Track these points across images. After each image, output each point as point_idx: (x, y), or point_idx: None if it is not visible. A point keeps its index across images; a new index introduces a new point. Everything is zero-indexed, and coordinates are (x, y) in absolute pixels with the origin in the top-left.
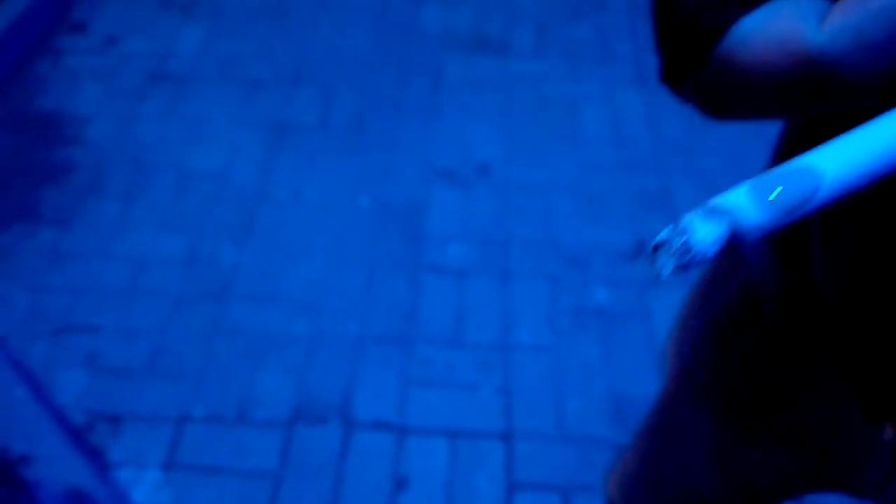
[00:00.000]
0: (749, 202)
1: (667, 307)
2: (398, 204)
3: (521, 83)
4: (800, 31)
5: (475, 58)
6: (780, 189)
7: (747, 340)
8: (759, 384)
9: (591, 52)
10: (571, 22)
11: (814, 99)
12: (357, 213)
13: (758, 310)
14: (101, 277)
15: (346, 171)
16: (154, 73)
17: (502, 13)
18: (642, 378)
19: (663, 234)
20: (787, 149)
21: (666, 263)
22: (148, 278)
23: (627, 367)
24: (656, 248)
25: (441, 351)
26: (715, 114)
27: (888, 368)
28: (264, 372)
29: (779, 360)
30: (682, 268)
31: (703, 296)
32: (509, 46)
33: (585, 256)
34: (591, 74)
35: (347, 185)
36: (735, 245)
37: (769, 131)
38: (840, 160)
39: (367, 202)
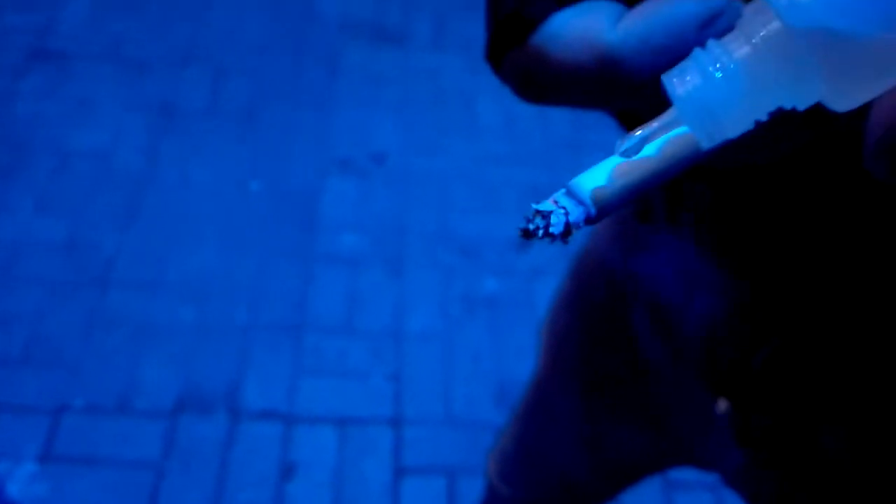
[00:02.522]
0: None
1: (551, 296)
2: (291, 191)
3: (419, 75)
4: (599, 29)
5: (373, 48)
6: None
7: (608, 320)
8: (617, 364)
9: None
10: (470, 16)
11: (607, 93)
12: (248, 199)
13: (620, 299)
14: None
15: (237, 156)
16: (35, 49)
17: (401, 3)
18: (527, 363)
19: (543, 206)
20: None
21: (541, 229)
22: (24, 264)
23: (513, 352)
24: (534, 216)
25: (332, 339)
26: (528, 96)
27: (722, 346)
28: (147, 361)
29: (633, 340)
30: (551, 237)
31: (575, 282)
32: (408, 38)
33: (477, 246)
34: (487, 70)
35: (238, 171)
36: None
37: None
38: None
39: (259, 188)
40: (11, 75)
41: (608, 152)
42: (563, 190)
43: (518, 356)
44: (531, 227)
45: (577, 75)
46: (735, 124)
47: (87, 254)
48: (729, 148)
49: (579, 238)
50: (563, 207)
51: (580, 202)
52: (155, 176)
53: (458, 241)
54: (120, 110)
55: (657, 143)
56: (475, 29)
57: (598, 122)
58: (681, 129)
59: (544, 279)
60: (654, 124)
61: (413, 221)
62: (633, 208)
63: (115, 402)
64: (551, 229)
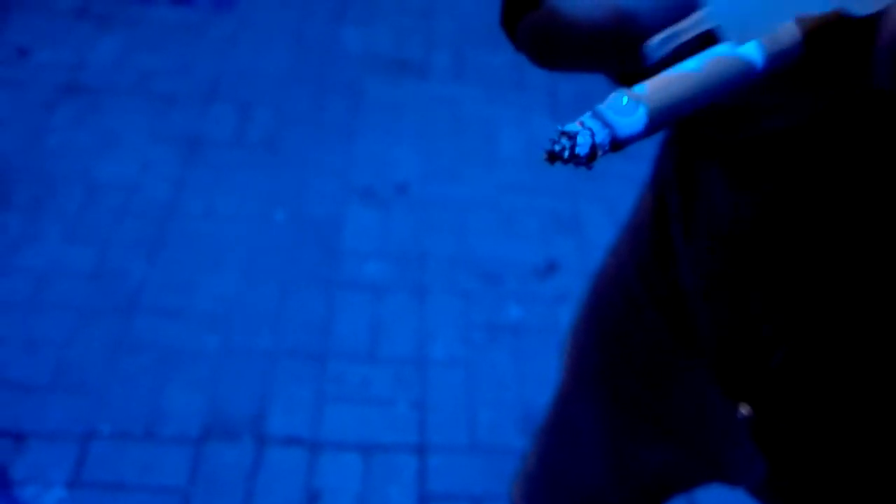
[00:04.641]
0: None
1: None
2: (315, 220)
3: (439, 106)
4: None
5: (394, 79)
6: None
7: (627, 335)
8: (637, 377)
9: (506, 79)
10: (488, 49)
11: (622, 51)
12: (272, 227)
13: (636, 309)
14: (4, 290)
15: (261, 186)
16: (66, 84)
17: (421, 37)
18: (551, 389)
19: (569, 127)
20: (669, 155)
21: (567, 148)
22: (53, 291)
23: (537, 379)
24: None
25: (356, 366)
26: (544, 61)
27: (738, 349)
28: (173, 387)
29: (653, 353)
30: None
31: (594, 298)
32: (428, 70)
33: (499, 273)
34: (507, 100)
35: (262, 200)
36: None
37: None
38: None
39: (283, 217)
40: (43, 109)
41: (625, 182)
42: (589, 112)
43: (542, 383)
44: (556, 147)
45: (593, 34)
46: (765, 20)
47: (114, 281)
48: (746, 110)
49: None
50: (590, 129)
51: (606, 124)
52: (181, 206)
53: (481, 268)
54: (147, 142)
55: (699, 58)
56: (494, 60)
57: (620, 152)
58: (723, 48)
59: (568, 306)
60: (682, 25)
61: (435, 249)
62: (649, 218)
63: (141, 429)
64: (577, 149)
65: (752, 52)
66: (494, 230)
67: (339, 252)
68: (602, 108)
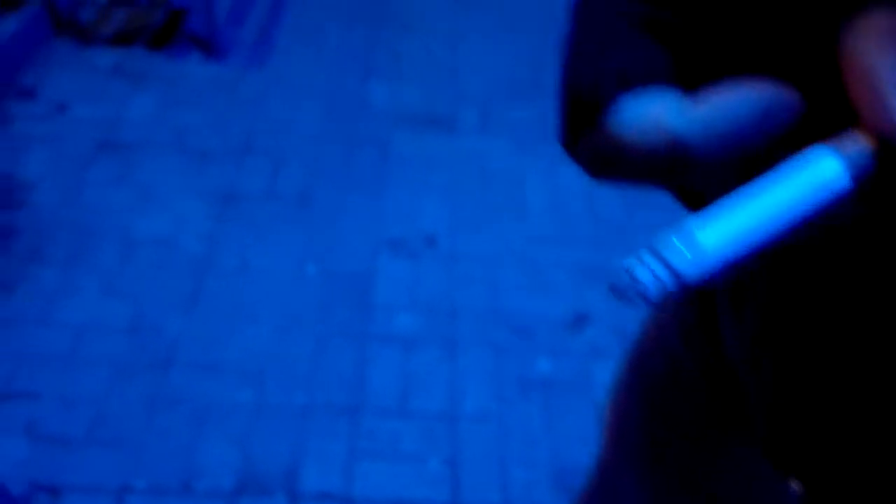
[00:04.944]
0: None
1: (608, 377)
2: (346, 273)
3: (466, 159)
4: (667, 116)
5: (422, 134)
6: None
7: (671, 402)
8: (683, 448)
9: (532, 132)
10: (514, 103)
11: (674, 173)
12: (304, 281)
13: (681, 375)
14: (42, 344)
15: (293, 240)
16: (103, 140)
17: (449, 93)
18: (584, 447)
19: (635, 269)
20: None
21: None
22: (90, 345)
23: (570, 436)
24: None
25: (387, 421)
26: (599, 174)
27: (791, 424)
28: (208, 442)
29: (698, 422)
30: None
31: (636, 363)
32: (455, 124)
33: (529, 326)
34: (534, 152)
35: (295, 254)
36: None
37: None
38: (718, 231)
39: (315, 271)
40: (81, 164)
41: (652, 233)
42: (648, 252)
43: (575, 439)
44: (625, 288)
45: (647, 157)
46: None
47: (150, 336)
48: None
49: (638, 319)
50: (655, 274)
51: (670, 269)
52: (215, 260)
53: (511, 321)
54: (182, 197)
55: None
56: (520, 114)
57: (646, 202)
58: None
59: (600, 360)
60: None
61: (465, 301)
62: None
63: (176, 484)
64: (647, 295)
65: (831, 164)
66: (524, 282)
67: (370, 305)
68: (665, 252)
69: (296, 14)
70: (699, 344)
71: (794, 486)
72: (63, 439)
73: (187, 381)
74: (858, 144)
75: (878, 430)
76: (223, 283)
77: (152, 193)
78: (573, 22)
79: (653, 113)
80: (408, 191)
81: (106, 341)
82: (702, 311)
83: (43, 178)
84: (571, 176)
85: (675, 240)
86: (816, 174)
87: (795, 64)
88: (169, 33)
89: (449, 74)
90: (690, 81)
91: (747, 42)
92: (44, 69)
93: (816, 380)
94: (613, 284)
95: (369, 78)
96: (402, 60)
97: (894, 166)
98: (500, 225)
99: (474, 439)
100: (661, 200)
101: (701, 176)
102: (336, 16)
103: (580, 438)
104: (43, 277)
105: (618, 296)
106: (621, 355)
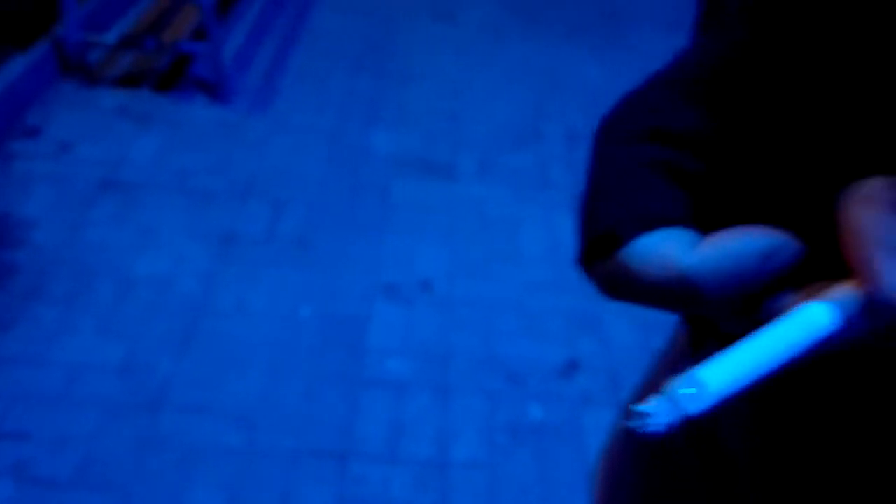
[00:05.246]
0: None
1: (598, 425)
2: (340, 317)
3: (464, 205)
4: (677, 255)
5: (422, 181)
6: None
7: (662, 472)
8: None
9: (530, 179)
10: (512, 150)
11: (681, 305)
12: (298, 325)
13: (674, 449)
14: (35, 383)
15: (290, 283)
16: (106, 180)
17: (448, 141)
18: (575, 495)
19: (646, 408)
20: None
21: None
22: (82, 385)
23: (561, 483)
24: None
25: (377, 467)
26: (610, 296)
27: (776, 492)
28: (196, 486)
29: (690, 497)
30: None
31: (628, 429)
32: (454, 171)
33: (522, 373)
34: (531, 199)
35: (290, 297)
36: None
37: None
38: (723, 373)
39: (309, 314)
40: (83, 204)
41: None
42: (664, 396)
43: (566, 487)
44: (637, 426)
45: (656, 290)
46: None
47: (142, 377)
48: None
49: (631, 377)
50: (663, 409)
51: (678, 407)
52: (212, 302)
53: (504, 368)
54: (182, 239)
55: (772, 332)
56: (517, 161)
57: None
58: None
59: (592, 408)
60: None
61: (458, 347)
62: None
63: None
64: (653, 428)
65: (822, 316)
66: (517, 328)
67: (363, 349)
68: (673, 392)
69: (301, 61)
70: (693, 425)
71: None
72: (51, 481)
73: (178, 423)
74: (850, 294)
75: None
76: (218, 324)
77: (153, 234)
78: (595, 157)
79: (664, 250)
80: (406, 236)
81: (98, 382)
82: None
83: (45, 216)
84: (567, 223)
85: (684, 384)
86: (810, 324)
87: (800, 217)
88: (175, 76)
89: (449, 122)
90: (705, 225)
91: (758, 192)
92: (49, 109)
93: (810, 470)
94: (629, 424)
95: (371, 125)
96: (404, 108)
97: (880, 315)
98: (496, 271)
99: (465, 486)
100: None
101: (708, 308)
102: (340, 64)
103: (570, 486)
104: (41, 316)
105: (633, 431)
106: (612, 402)
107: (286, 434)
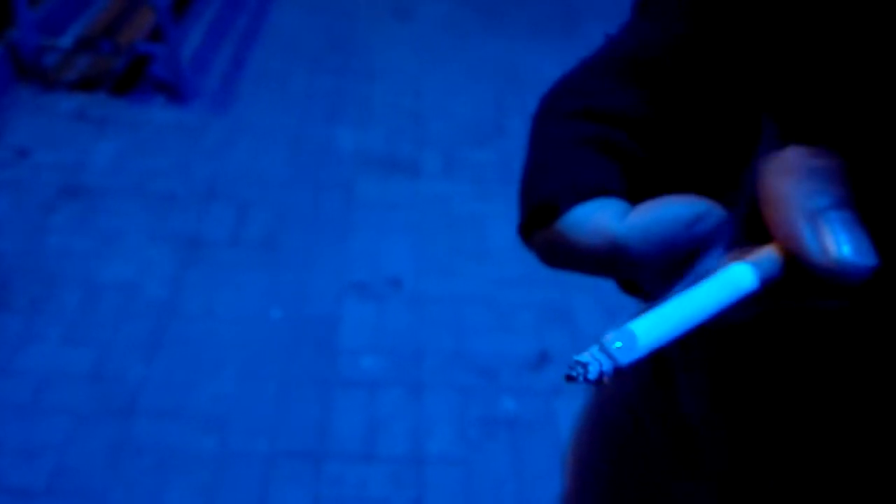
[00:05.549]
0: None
1: (571, 415)
2: (311, 317)
3: (430, 202)
4: (609, 222)
5: (386, 178)
6: (619, 344)
7: (631, 454)
8: (642, 493)
9: (494, 175)
10: (476, 146)
11: (613, 269)
12: (269, 326)
13: (639, 425)
14: (2, 393)
15: (258, 285)
16: (65, 185)
17: (411, 138)
18: (549, 485)
19: (582, 357)
20: None
21: (580, 376)
22: (52, 394)
23: (535, 474)
24: (573, 367)
25: (353, 466)
26: (549, 264)
27: (746, 477)
28: (172, 490)
29: (657, 474)
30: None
31: (596, 410)
32: (418, 168)
33: (494, 367)
34: (496, 194)
35: (259, 299)
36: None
37: None
38: (652, 326)
39: (280, 315)
40: (42, 211)
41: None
42: (597, 346)
43: (540, 478)
44: (573, 373)
45: (591, 256)
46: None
47: (113, 384)
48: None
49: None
50: (598, 360)
51: (610, 356)
52: (179, 306)
53: (476, 363)
54: (146, 243)
55: (697, 288)
56: (481, 157)
57: None
58: (717, 277)
59: (563, 399)
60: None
61: (430, 343)
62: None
63: None
64: (589, 376)
65: (745, 275)
66: (487, 323)
67: (335, 349)
68: (606, 343)
69: (260, 60)
70: (656, 398)
71: None
72: (23, 491)
73: (150, 428)
74: (771, 256)
75: (825, 482)
76: (187, 328)
77: (116, 239)
78: (535, 134)
79: (597, 218)
80: (372, 234)
81: (68, 390)
82: (658, 370)
83: (4, 224)
84: None
85: (616, 336)
86: (733, 283)
87: (723, 184)
88: (132, 79)
89: (412, 120)
90: (636, 195)
91: (684, 163)
92: (6, 114)
93: (766, 437)
94: (567, 374)
95: (333, 123)
96: (366, 106)
97: (799, 272)
98: (464, 266)
99: (441, 481)
100: None
101: (638, 272)
102: (301, 63)
103: (545, 477)
104: (4, 325)
105: (569, 380)
106: (583, 393)
107: (260, 436)
